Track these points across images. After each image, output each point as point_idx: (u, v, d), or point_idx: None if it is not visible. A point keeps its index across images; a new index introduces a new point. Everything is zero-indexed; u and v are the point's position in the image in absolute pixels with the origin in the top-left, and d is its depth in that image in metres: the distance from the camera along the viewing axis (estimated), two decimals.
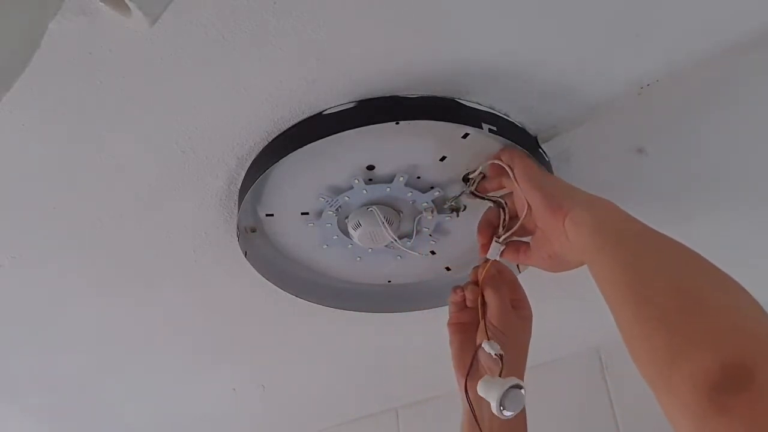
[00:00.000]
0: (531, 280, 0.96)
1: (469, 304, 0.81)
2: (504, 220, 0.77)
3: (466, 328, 0.81)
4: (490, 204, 0.79)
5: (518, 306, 0.80)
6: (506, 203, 0.77)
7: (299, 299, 0.93)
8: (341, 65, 0.67)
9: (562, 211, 0.65)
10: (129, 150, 0.75)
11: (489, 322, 0.77)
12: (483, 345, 0.74)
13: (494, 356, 0.73)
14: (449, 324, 0.82)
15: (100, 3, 0.54)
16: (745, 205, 0.91)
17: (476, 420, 0.75)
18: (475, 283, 0.80)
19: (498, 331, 0.76)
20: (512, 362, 0.75)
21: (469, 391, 0.76)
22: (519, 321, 0.79)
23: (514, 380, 0.69)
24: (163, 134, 0.73)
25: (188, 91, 0.68)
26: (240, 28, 0.62)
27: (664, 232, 0.97)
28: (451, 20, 0.64)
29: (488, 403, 0.70)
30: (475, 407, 0.76)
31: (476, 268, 0.81)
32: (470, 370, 0.76)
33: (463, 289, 0.81)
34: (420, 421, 1.39)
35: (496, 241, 0.77)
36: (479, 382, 0.72)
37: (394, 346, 1.16)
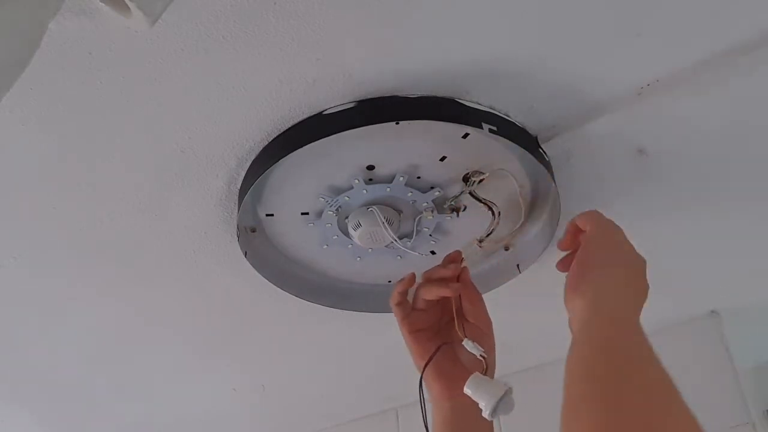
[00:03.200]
0: (531, 280, 0.96)
1: (423, 305, 0.76)
2: (493, 228, 0.77)
3: (430, 334, 0.77)
4: (485, 207, 0.80)
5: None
6: (499, 213, 0.77)
7: (299, 299, 0.93)
8: (341, 65, 0.67)
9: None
10: (129, 150, 0.75)
11: (466, 320, 0.76)
12: (464, 344, 0.73)
13: (479, 357, 0.71)
14: (412, 332, 0.76)
15: (100, 3, 0.54)
16: (746, 204, 0.91)
17: (425, 419, 0.72)
18: (438, 281, 0.76)
19: (478, 328, 0.75)
20: (493, 361, 0.74)
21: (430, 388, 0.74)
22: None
23: (508, 385, 0.67)
24: (163, 134, 0.73)
25: (188, 91, 0.68)
26: (240, 28, 0.62)
27: (664, 232, 0.97)
28: (451, 20, 0.64)
29: (471, 403, 0.67)
30: (453, 406, 0.73)
31: (438, 268, 0.78)
32: (428, 364, 0.73)
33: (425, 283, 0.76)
34: (420, 422, 1.39)
35: (478, 246, 0.77)
36: (470, 379, 0.68)
37: (394, 346, 1.16)
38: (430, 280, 0.77)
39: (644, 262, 0.64)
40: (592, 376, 0.50)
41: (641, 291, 0.62)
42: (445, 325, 0.77)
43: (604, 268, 0.62)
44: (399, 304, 0.77)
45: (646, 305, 1.18)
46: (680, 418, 0.46)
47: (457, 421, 0.72)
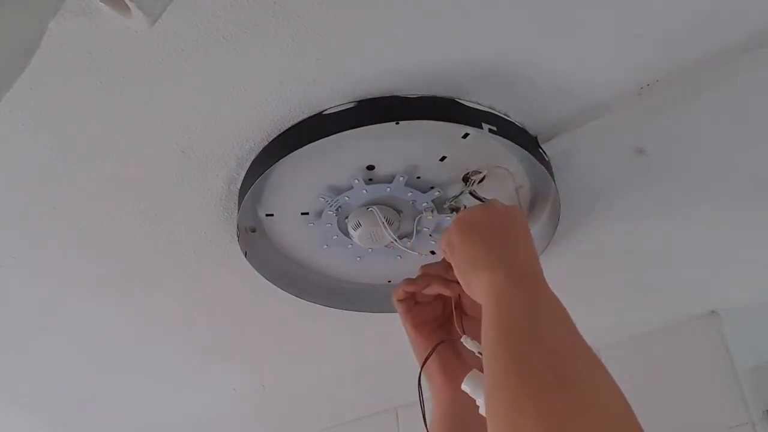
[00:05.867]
0: None
1: (424, 298, 0.77)
2: None
3: (433, 327, 0.76)
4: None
5: None
6: None
7: (299, 299, 0.93)
8: (341, 65, 0.67)
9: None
10: (129, 150, 0.75)
11: (466, 314, 0.75)
12: (463, 341, 0.72)
13: (476, 354, 0.70)
14: (415, 326, 0.76)
15: (100, 3, 0.54)
16: (745, 203, 0.91)
17: (424, 416, 0.72)
18: (432, 277, 0.76)
19: (478, 323, 0.75)
20: None
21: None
22: None
23: None
24: (163, 134, 0.73)
25: (188, 91, 0.68)
26: (240, 28, 0.62)
27: (665, 232, 0.97)
28: (450, 20, 0.64)
29: (468, 399, 0.67)
30: (454, 401, 0.72)
31: (429, 265, 0.78)
32: (430, 359, 0.73)
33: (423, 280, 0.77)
34: (420, 421, 1.39)
35: None
36: (467, 376, 0.68)
37: (394, 346, 1.16)
38: (429, 275, 0.77)
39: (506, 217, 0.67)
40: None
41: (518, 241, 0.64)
42: (449, 318, 0.77)
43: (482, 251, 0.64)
44: (402, 300, 0.77)
45: (646, 305, 1.19)
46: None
47: (458, 416, 0.72)
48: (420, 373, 0.74)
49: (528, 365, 0.49)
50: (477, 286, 0.62)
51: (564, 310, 0.56)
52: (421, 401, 0.73)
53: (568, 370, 0.48)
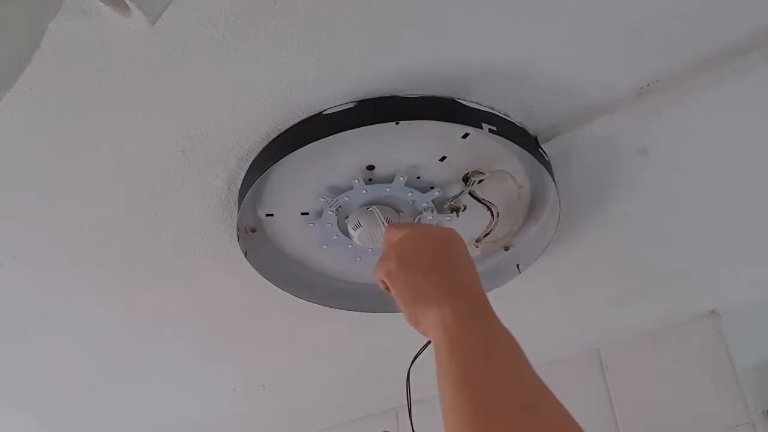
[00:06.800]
0: (531, 279, 0.96)
1: None
2: (491, 228, 0.78)
3: None
4: (484, 208, 0.80)
5: None
6: (498, 213, 0.77)
7: (299, 299, 0.93)
8: (341, 65, 0.67)
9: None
10: (129, 150, 0.75)
11: None
12: None
13: None
14: None
15: (100, 3, 0.54)
16: (746, 203, 0.91)
17: (410, 412, 0.68)
18: None
19: None
20: None
21: None
22: None
23: None
24: (163, 134, 0.73)
25: (188, 91, 0.68)
26: (240, 28, 0.62)
27: (665, 232, 0.97)
28: (451, 21, 0.64)
29: None
30: None
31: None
32: None
33: None
34: (420, 421, 1.39)
35: (475, 245, 0.78)
36: None
37: (393, 346, 1.16)
38: None
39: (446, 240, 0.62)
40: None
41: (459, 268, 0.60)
42: None
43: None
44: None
45: (646, 305, 1.19)
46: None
47: None
48: (409, 370, 0.73)
49: (482, 412, 0.48)
50: (424, 322, 0.59)
51: (514, 343, 0.54)
52: (409, 399, 0.72)
53: (524, 416, 0.47)
